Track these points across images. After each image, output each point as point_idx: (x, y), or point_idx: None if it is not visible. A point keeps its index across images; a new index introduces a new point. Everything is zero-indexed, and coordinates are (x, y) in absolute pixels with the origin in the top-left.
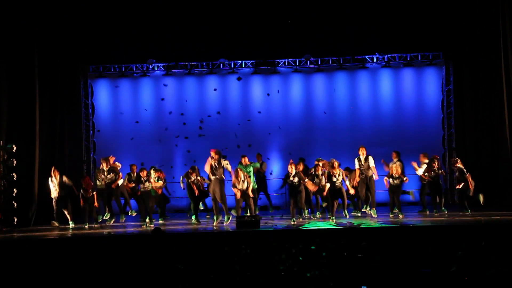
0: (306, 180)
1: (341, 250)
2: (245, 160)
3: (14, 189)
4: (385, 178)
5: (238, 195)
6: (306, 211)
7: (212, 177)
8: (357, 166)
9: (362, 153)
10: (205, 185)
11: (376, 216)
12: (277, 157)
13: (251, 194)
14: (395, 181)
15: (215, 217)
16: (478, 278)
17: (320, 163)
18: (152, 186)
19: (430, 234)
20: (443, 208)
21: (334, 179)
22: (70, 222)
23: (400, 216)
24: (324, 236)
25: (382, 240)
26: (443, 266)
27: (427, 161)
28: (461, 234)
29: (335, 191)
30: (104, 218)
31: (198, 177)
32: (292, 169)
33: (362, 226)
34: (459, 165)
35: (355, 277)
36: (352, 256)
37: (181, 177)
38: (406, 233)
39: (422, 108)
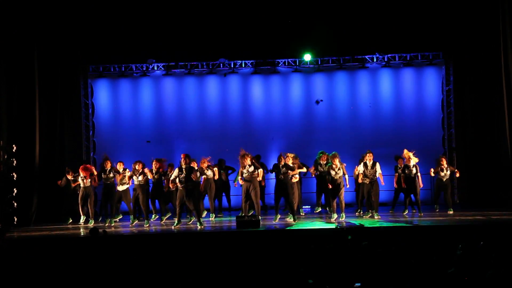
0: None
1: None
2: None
3: (14, 189)
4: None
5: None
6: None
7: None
8: (361, 171)
9: (369, 159)
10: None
11: (380, 217)
12: (276, 157)
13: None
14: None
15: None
16: (478, 278)
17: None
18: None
19: (429, 234)
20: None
21: (333, 173)
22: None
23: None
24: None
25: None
26: (443, 266)
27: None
28: (461, 234)
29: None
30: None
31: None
32: (282, 161)
33: (365, 225)
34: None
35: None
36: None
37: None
38: (406, 233)
39: (422, 108)
